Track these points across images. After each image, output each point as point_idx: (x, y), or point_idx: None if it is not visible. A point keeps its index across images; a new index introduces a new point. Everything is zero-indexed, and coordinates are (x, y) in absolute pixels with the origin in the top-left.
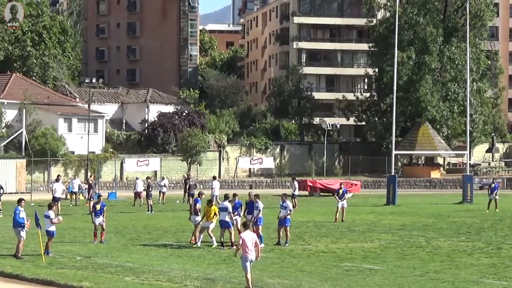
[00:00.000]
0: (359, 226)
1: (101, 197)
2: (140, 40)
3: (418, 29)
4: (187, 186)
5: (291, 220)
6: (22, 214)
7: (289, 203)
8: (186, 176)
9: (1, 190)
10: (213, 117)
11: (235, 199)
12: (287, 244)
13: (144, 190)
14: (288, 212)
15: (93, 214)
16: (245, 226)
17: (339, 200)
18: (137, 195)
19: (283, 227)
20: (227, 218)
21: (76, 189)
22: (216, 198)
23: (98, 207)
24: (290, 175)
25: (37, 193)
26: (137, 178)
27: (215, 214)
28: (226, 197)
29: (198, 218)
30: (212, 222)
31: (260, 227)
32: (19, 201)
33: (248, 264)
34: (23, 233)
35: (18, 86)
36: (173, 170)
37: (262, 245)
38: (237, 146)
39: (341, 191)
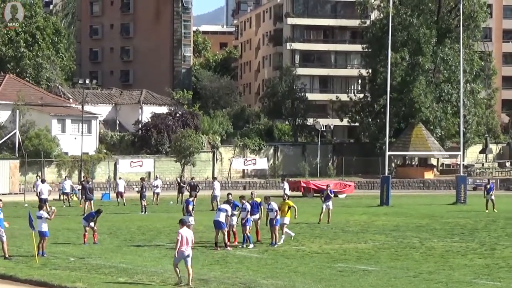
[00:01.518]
0: (353, 227)
1: (100, 213)
2: (133, 41)
3: (412, 30)
4: (188, 187)
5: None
6: (1, 215)
7: (274, 204)
8: (179, 178)
9: None
10: (207, 118)
11: (230, 199)
12: (281, 242)
13: (138, 191)
14: (275, 212)
15: (85, 219)
16: (182, 223)
17: (324, 202)
18: (119, 194)
19: (274, 227)
20: (223, 219)
21: (68, 190)
22: (216, 199)
23: (92, 220)
24: (283, 176)
25: (31, 194)
26: (119, 178)
27: (289, 208)
28: (228, 201)
29: (191, 219)
30: (287, 217)
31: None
32: None
33: (182, 259)
34: (3, 234)
35: (11, 87)
36: (167, 171)
37: (251, 245)
38: (230, 147)
39: (326, 193)
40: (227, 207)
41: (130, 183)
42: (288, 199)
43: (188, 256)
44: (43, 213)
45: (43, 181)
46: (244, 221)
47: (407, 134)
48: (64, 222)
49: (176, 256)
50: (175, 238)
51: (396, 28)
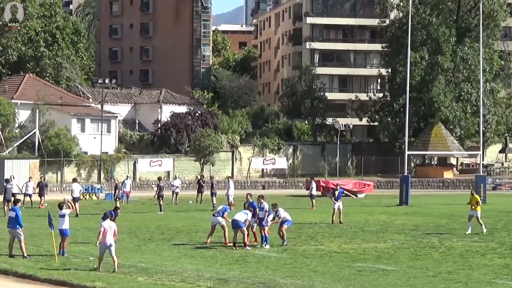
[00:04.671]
0: (372, 227)
1: (118, 210)
2: (153, 41)
3: (431, 29)
4: (210, 185)
5: (292, 222)
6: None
7: (281, 210)
8: (199, 176)
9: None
10: (226, 118)
11: (249, 199)
12: (285, 243)
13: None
14: (284, 217)
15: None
16: (104, 216)
17: (335, 202)
18: (126, 194)
19: (282, 227)
20: (240, 219)
21: (30, 192)
22: (230, 199)
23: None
24: (303, 175)
25: (50, 193)
26: (126, 178)
27: (477, 202)
28: (249, 205)
29: (221, 219)
30: (476, 211)
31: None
32: (17, 201)
33: (105, 248)
34: (21, 233)
35: (31, 87)
36: (186, 170)
37: (268, 246)
38: (250, 146)
39: (337, 192)
40: (248, 212)
41: (149, 183)
42: (313, 199)
43: (110, 245)
44: (66, 211)
45: (74, 180)
46: (262, 221)
47: (427, 134)
48: (84, 221)
49: (100, 246)
50: (194, 238)
51: (416, 27)
